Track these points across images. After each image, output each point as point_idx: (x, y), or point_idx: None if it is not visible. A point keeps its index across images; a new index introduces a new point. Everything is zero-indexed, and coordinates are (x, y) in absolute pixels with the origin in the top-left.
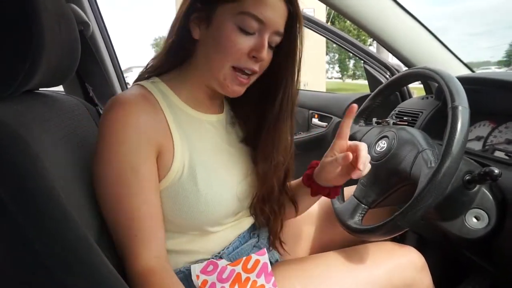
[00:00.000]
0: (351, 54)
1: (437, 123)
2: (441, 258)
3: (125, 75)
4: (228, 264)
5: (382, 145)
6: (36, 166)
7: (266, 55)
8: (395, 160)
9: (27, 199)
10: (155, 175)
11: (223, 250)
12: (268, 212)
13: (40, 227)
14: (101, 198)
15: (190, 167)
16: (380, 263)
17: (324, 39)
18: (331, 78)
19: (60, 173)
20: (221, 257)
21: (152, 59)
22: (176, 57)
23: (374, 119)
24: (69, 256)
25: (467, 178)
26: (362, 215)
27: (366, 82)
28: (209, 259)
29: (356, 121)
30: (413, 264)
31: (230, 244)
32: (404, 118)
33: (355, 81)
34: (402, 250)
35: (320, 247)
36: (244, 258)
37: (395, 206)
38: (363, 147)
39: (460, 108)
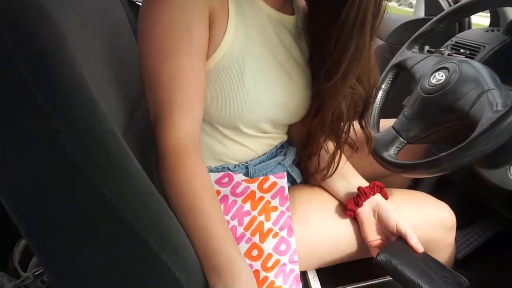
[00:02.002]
0: None
1: (502, 60)
2: (459, 198)
3: None
4: (243, 180)
5: (440, 77)
6: (62, 47)
7: None
8: (453, 96)
9: (53, 84)
10: (206, 42)
11: (251, 160)
12: (322, 141)
13: (66, 116)
14: (145, 58)
15: (241, 54)
16: (407, 212)
17: None
18: None
19: (87, 59)
20: (247, 167)
21: None
22: None
23: (427, 47)
24: (98, 152)
25: None
26: (399, 149)
27: (408, 9)
28: (235, 165)
29: (409, 47)
30: (442, 222)
31: (258, 157)
32: (461, 50)
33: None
34: (435, 205)
35: None
36: (261, 177)
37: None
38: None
39: None
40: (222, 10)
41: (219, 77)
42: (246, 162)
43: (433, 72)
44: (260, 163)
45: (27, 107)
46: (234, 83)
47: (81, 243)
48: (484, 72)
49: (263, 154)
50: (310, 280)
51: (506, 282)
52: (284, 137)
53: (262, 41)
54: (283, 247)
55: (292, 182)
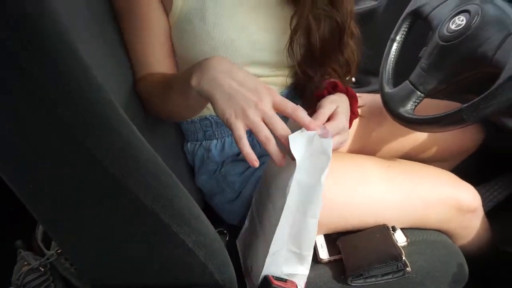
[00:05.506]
0: None
1: None
2: (481, 150)
3: None
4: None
5: (460, 21)
6: (49, 11)
7: None
8: (474, 42)
9: (39, 46)
10: (152, 13)
11: None
12: (317, 76)
13: (55, 81)
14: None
15: (200, 1)
16: (424, 188)
17: None
18: None
19: (75, 24)
20: None
21: None
22: None
23: None
24: (95, 122)
25: None
26: (416, 104)
27: None
28: None
29: None
30: (460, 205)
31: None
32: None
33: None
34: (457, 186)
35: (363, 144)
36: None
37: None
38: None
39: None
40: None
41: (184, 29)
42: None
43: (452, 17)
44: None
45: (10, 70)
46: (198, 32)
47: (88, 216)
48: (510, 12)
49: None
50: (318, 247)
51: None
52: (283, 82)
53: None
54: None
55: None
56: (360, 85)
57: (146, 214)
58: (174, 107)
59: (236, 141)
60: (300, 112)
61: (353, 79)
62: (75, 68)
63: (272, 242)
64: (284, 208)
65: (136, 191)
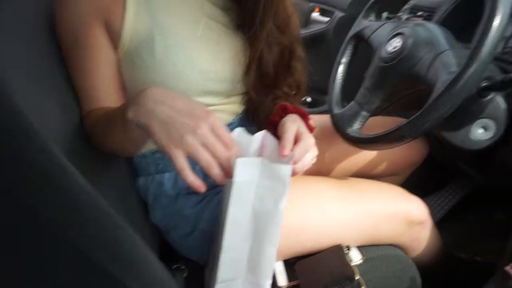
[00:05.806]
0: None
1: (458, 19)
2: (429, 162)
3: None
4: None
5: (396, 44)
6: None
7: None
8: (409, 63)
9: None
10: (99, 47)
11: None
12: (269, 99)
13: None
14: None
15: (149, 33)
16: (374, 206)
17: None
18: None
19: (17, 62)
20: None
21: None
22: None
23: (385, 14)
24: (34, 176)
25: (484, 84)
26: (362, 123)
27: None
28: None
29: (366, 16)
30: (409, 218)
31: None
32: (418, 13)
33: None
34: (405, 200)
35: (316, 166)
36: None
37: (397, 115)
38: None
39: None
40: (114, 2)
41: (133, 61)
42: None
43: (389, 39)
44: None
45: None
46: (148, 64)
47: (29, 272)
48: (438, 33)
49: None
50: (277, 275)
51: (480, 241)
52: (236, 110)
53: (174, 15)
54: None
55: None
56: (316, 105)
57: (86, 263)
58: (117, 142)
59: (178, 172)
60: (234, 148)
61: (308, 99)
62: (7, 116)
63: (219, 268)
64: (225, 231)
65: (74, 240)
